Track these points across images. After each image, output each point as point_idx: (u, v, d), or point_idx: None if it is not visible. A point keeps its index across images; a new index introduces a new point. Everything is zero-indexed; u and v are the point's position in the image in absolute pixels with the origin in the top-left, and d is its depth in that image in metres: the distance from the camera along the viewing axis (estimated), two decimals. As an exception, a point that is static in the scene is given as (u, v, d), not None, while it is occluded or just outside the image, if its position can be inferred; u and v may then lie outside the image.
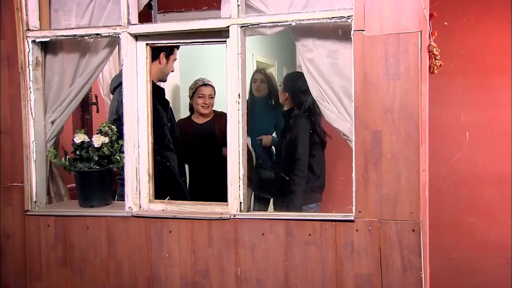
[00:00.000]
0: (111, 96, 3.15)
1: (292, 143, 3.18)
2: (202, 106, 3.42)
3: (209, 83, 3.48)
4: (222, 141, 3.38)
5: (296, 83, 3.24)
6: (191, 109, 3.58)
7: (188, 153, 3.35)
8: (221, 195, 3.38)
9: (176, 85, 3.96)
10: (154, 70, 3.01)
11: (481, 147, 3.32)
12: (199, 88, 3.41)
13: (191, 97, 3.46)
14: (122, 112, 2.65)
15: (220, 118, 3.48)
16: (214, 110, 3.54)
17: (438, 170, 3.34)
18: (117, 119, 2.76)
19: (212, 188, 3.37)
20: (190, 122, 3.47)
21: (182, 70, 3.90)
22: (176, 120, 3.51)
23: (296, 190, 3.13)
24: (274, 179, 3.41)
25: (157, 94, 2.88)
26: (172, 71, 3.13)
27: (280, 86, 3.46)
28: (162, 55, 2.99)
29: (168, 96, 3.57)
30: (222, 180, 3.45)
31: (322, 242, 2.22)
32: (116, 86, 2.98)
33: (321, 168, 3.25)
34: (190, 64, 4.11)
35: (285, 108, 3.40)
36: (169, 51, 3.02)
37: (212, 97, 3.48)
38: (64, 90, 2.65)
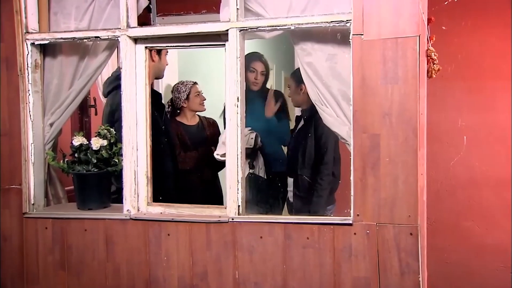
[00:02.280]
0: (104, 99, 3.14)
1: (320, 146, 3.05)
2: (200, 104, 3.40)
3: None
4: (213, 144, 3.36)
5: None
6: (172, 113, 3.48)
7: (180, 154, 3.33)
8: (217, 197, 3.39)
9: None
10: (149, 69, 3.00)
11: (479, 151, 3.33)
12: (194, 87, 3.37)
13: (186, 98, 3.42)
14: (115, 118, 2.64)
15: (208, 122, 3.49)
16: (197, 115, 3.52)
17: (435, 174, 3.35)
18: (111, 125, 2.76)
19: (208, 191, 3.37)
20: (178, 123, 3.41)
21: (181, 71, 3.91)
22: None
23: (323, 194, 3.03)
24: (295, 182, 3.24)
25: (154, 99, 2.88)
26: (167, 65, 3.09)
27: (288, 86, 3.30)
28: (153, 53, 2.94)
29: (167, 96, 3.55)
30: (218, 182, 3.46)
31: (320, 246, 2.23)
32: (111, 90, 2.97)
33: (339, 169, 3.13)
34: (189, 65, 4.11)
35: (303, 107, 3.24)
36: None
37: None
38: (63, 93, 2.65)
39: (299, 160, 3.15)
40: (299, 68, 3.01)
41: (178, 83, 3.40)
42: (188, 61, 4.14)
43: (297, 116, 3.38)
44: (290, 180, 3.25)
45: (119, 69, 3.01)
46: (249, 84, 3.28)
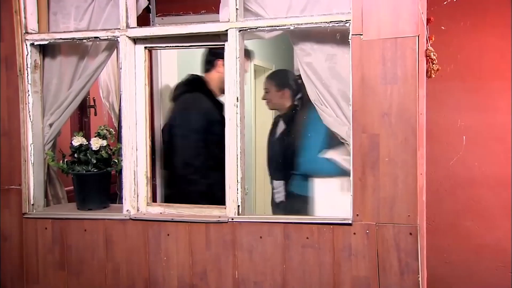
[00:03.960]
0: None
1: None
2: None
3: None
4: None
5: (289, 74, 3.19)
6: None
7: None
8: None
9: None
10: (216, 80, 2.91)
11: (478, 151, 3.34)
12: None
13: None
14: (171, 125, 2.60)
15: None
16: None
17: (435, 173, 3.35)
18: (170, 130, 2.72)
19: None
20: None
21: (180, 70, 3.89)
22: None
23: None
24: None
25: (218, 110, 2.82)
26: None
27: (265, 89, 3.31)
28: (220, 63, 2.84)
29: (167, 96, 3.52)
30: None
31: (320, 245, 2.23)
32: (179, 94, 2.92)
33: None
34: (189, 64, 4.10)
35: (281, 112, 3.28)
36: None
37: None
38: (62, 93, 2.65)
39: (293, 161, 3.12)
40: (279, 70, 3.02)
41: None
42: (188, 61, 4.13)
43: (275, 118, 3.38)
44: (276, 183, 3.24)
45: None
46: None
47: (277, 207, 3.28)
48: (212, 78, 2.97)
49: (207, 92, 2.94)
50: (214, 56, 2.91)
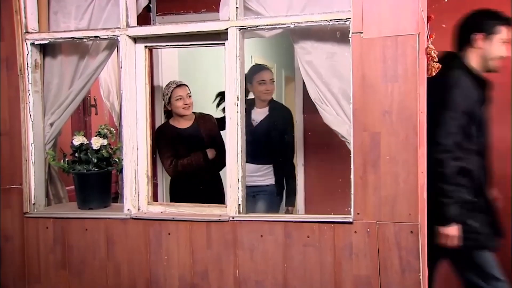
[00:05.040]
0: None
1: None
2: (183, 108, 3.22)
3: (182, 83, 3.30)
4: (209, 144, 3.27)
5: None
6: (167, 114, 3.40)
7: (177, 159, 3.27)
8: (217, 200, 3.31)
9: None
10: (474, 57, 2.55)
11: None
12: (174, 91, 3.21)
13: (168, 102, 3.26)
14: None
15: (204, 120, 3.35)
16: (193, 112, 3.36)
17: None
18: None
19: (207, 193, 3.24)
20: (171, 127, 3.29)
21: (181, 69, 3.91)
22: (156, 127, 3.38)
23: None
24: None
25: (480, 87, 2.53)
26: (503, 56, 2.54)
27: (273, 81, 3.53)
28: (478, 37, 2.47)
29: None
30: (216, 184, 3.37)
31: (321, 244, 2.23)
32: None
33: None
34: (189, 63, 4.11)
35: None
36: (491, 29, 2.47)
37: (190, 96, 3.28)
38: (63, 92, 2.65)
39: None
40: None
41: (166, 85, 3.30)
42: (189, 59, 4.14)
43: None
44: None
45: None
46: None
47: None
48: (470, 54, 2.58)
49: (467, 69, 2.57)
50: (469, 32, 2.54)
